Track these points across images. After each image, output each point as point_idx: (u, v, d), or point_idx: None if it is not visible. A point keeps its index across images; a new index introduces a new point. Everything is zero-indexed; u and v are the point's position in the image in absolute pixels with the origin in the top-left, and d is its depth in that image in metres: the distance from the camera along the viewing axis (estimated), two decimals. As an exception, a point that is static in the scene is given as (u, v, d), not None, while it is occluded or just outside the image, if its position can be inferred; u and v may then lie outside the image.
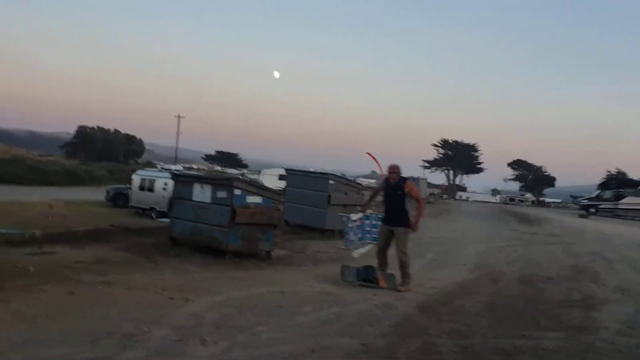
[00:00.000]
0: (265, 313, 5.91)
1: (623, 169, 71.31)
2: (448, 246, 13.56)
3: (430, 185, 71.58)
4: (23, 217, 13.75)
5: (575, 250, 14.11)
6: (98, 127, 72.91)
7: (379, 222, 8.35)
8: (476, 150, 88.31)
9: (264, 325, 5.43)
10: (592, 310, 6.92)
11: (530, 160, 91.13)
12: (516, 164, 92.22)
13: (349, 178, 19.81)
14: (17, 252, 8.49)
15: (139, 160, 76.44)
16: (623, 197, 39.46)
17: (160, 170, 28.27)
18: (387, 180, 8.16)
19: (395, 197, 7.93)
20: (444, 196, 70.32)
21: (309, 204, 13.92)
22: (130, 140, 76.62)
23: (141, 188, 21.37)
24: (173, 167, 50.49)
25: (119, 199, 24.18)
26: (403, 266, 7.73)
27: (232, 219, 8.91)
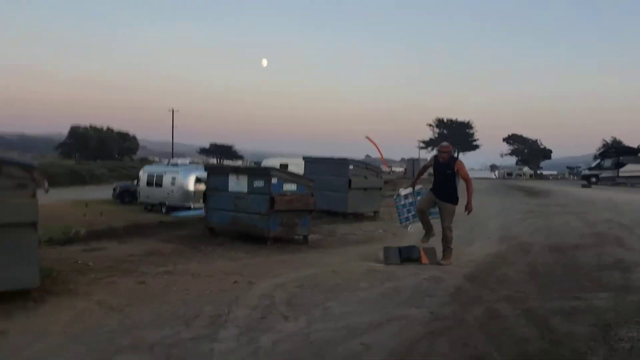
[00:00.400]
0: (327, 290, 6.27)
1: (619, 138, 72.11)
2: (469, 222, 13.89)
3: (429, 165, 71.82)
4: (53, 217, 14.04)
5: (590, 218, 14.52)
6: (91, 126, 72.95)
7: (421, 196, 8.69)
8: (471, 128, 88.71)
9: (332, 301, 5.80)
10: (629, 272, 7.31)
11: (525, 134, 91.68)
12: (511, 139, 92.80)
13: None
14: (68, 250, 8.85)
15: (134, 157, 76.51)
16: (623, 165, 39.97)
17: (167, 165, 28.56)
18: (436, 157, 8.40)
19: (444, 175, 8.19)
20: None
21: (330, 189, 14.25)
22: (124, 137, 76.68)
23: (149, 184, 21.62)
24: (179, 161, 50.63)
25: (126, 196, 24.53)
26: (446, 240, 8.08)
27: (271, 206, 9.27)
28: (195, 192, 18.32)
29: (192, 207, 17.79)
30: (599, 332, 4.67)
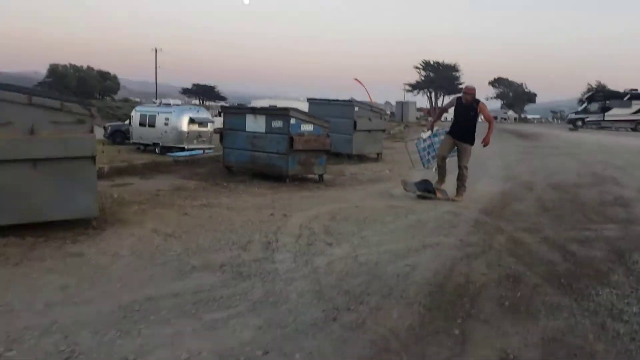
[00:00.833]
0: (357, 222, 6.78)
1: (603, 82, 72.69)
2: (470, 163, 14.47)
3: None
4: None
5: (584, 159, 15.19)
6: (70, 64, 71.59)
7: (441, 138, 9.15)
8: (457, 71, 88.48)
9: (365, 231, 6.32)
10: (630, 207, 7.95)
11: (511, 78, 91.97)
12: (497, 82, 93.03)
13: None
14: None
15: (115, 97, 75.51)
16: (609, 109, 40.71)
17: (159, 106, 28.52)
18: (459, 99, 8.79)
19: (467, 116, 8.61)
20: (429, 118, 70.90)
21: (335, 131, 14.56)
22: (105, 76, 75.45)
23: (142, 124, 21.63)
24: (172, 101, 50.39)
25: (117, 136, 24.62)
26: (461, 178, 8.62)
27: (290, 146, 9.66)
28: (189, 132, 18.54)
29: (185, 147, 18.01)
30: (615, 256, 5.28)
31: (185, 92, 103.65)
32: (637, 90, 41.08)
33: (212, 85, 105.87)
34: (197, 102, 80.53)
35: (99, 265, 4.80)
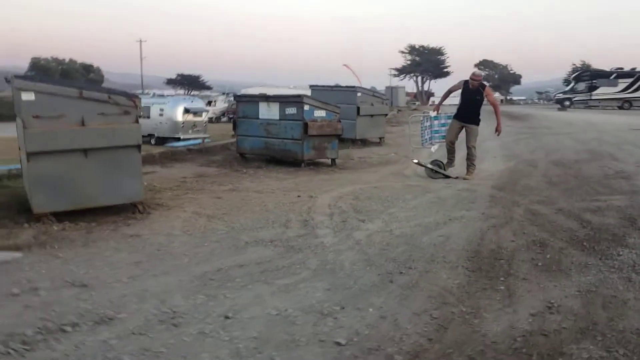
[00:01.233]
0: (381, 201, 7.22)
1: (588, 62, 73.62)
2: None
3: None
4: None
5: (578, 137, 15.77)
6: (52, 57, 71.17)
7: (448, 121, 9.62)
8: (442, 54, 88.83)
9: (391, 208, 6.77)
10: (632, 180, 8.48)
11: (496, 60, 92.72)
12: (482, 64, 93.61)
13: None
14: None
15: (99, 90, 75.19)
16: (596, 88, 41.50)
17: (153, 97, 28.74)
18: (466, 83, 9.25)
19: (474, 100, 9.14)
20: (417, 102, 71.35)
21: (339, 116, 15.04)
22: (88, 69, 75.05)
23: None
24: (166, 92, 50.60)
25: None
26: (470, 158, 9.11)
27: (305, 131, 10.08)
28: (184, 122, 18.78)
29: (181, 137, 18.24)
30: (627, 223, 5.78)
31: (170, 82, 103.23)
32: (622, 69, 41.89)
33: (197, 75, 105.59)
34: (182, 92, 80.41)
35: (159, 243, 5.21)
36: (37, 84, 5.75)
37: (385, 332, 3.22)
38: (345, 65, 43.37)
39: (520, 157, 11.81)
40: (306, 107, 10.14)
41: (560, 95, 45.23)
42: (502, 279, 4.15)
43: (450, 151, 9.40)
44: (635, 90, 40.58)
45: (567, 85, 48.77)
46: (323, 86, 16.82)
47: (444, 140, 9.52)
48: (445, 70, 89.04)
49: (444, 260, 4.61)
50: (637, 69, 41.60)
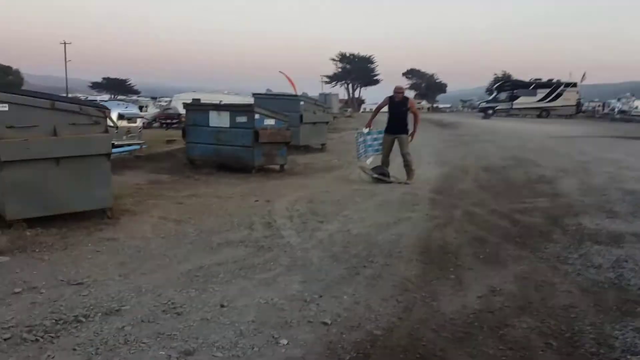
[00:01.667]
0: (334, 204, 7.83)
1: (508, 72, 77.60)
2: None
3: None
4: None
5: (503, 145, 17.05)
6: (-33, 59, 68.08)
7: (379, 136, 10.38)
8: (372, 62, 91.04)
9: (345, 210, 7.38)
10: (553, 184, 9.50)
11: (423, 69, 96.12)
12: (410, 73, 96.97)
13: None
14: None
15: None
16: (517, 97, 44.09)
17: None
18: (392, 98, 10.09)
19: (400, 112, 10.00)
20: (348, 110, 72.73)
21: (282, 124, 15.57)
22: (6, 71, 72.21)
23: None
24: (99, 97, 49.40)
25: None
26: (408, 164, 9.90)
27: (256, 139, 10.56)
28: (118, 129, 18.64)
29: (115, 143, 18.07)
30: (551, 221, 6.65)
31: (95, 86, 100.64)
32: (541, 79, 44.70)
33: (124, 78, 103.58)
34: (107, 96, 78.56)
35: (136, 246, 5.58)
36: (11, 95, 5.98)
37: (362, 314, 3.80)
38: (281, 72, 43.79)
39: (452, 163, 12.75)
40: (257, 116, 10.63)
41: (484, 104, 47.64)
42: (451, 269, 4.83)
43: (386, 163, 10.16)
44: (553, 100, 43.47)
45: (490, 95, 51.46)
46: (266, 95, 17.33)
47: (378, 153, 10.31)
48: (375, 78, 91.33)
49: (400, 255, 5.25)
50: (554, 80, 44.53)
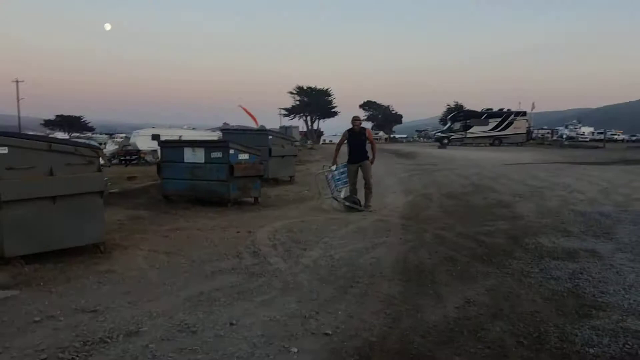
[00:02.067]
0: (313, 232, 8.34)
1: (460, 102, 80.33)
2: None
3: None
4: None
5: (461, 173, 17.94)
6: None
7: (344, 169, 11.05)
8: (329, 95, 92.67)
9: (324, 238, 7.89)
10: (510, 208, 10.26)
11: (379, 101, 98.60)
12: (367, 105, 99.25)
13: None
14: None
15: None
16: (470, 127, 45.84)
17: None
18: (350, 130, 10.87)
19: (360, 142, 10.84)
20: (308, 141, 73.68)
21: (250, 158, 16.05)
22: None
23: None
24: (52, 136, 48.90)
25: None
26: (369, 188, 10.69)
27: (231, 173, 11.03)
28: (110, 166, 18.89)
29: None
30: (512, 241, 7.32)
31: (48, 123, 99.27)
32: (492, 109, 46.63)
33: (78, 115, 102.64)
34: (61, 134, 77.76)
35: (135, 276, 5.95)
36: (10, 139, 6.32)
37: (357, 325, 4.30)
38: (240, 106, 44.48)
39: (416, 192, 13.46)
40: (232, 151, 11.11)
41: (439, 134, 49.34)
42: (429, 285, 5.39)
43: (354, 191, 10.83)
44: (504, 129, 45.39)
45: (444, 125, 53.24)
46: (235, 129, 17.88)
47: (346, 184, 10.96)
48: (333, 110, 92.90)
49: (382, 275, 5.79)
50: (505, 110, 46.53)
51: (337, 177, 11.15)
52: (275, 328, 4.26)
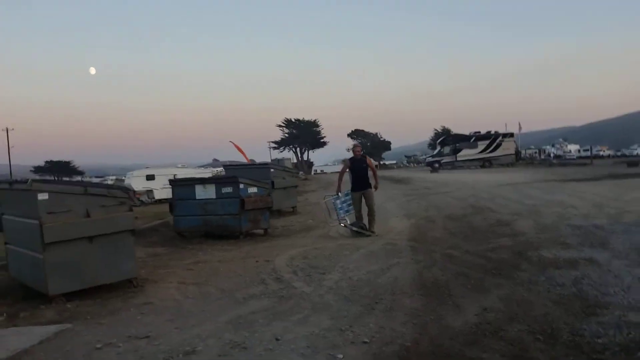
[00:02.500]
0: (327, 258, 8.82)
1: (447, 126, 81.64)
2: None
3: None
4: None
5: (458, 195, 18.53)
6: None
7: (347, 197, 11.59)
8: (318, 126, 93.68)
9: (339, 263, 8.38)
10: (510, 226, 10.82)
11: (367, 129, 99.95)
12: (355, 134, 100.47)
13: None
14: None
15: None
16: (460, 150, 46.76)
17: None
18: (352, 159, 11.44)
19: (362, 169, 11.36)
20: (300, 172, 74.18)
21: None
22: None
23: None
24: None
25: None
26: (372, 214, 11.20)
27: (242, 207, 11.55)
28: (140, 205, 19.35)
29: None
30: (517, 256, 7.86)
31: (38, 170, 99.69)
32: (480, 132, 47.63)
33: (68, 160, 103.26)
34: (51, 178, 78.14)
35: (173, 306, 6.42)
36: (50, 185, 6.86)
37: (390, 334, 4.80)
38: (231, 142, 45.02)
39: (417, 215, 14.01)
40: (242, 186, 11.66)
41: (430, 158, 50.27)
42: (447, 298, 5.91)
43: (360, 217, 11.36)
44: (493, 150, 46.35)
45: (434, 149, 54.24)
46: (237, 165, 18.41)
47: (351, 212, 11.50)
48: (322, 140, 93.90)
49: (402, 292, 6.30)
50: (492, 132, 47.57)
51: (339, 206, 11.67)
52: (318, 340, 4.75)
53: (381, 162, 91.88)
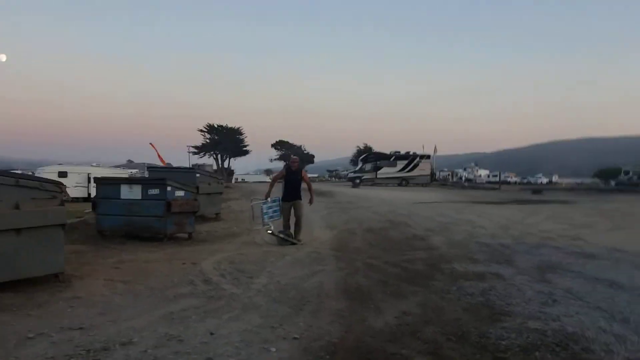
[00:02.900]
0: (254, 263, 9.11)
1: (369, 144, 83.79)
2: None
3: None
4: None
5: (376, 210, 19.31)
6: None
7: (273, 204, 11.95)
8: (241, 134, 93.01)
9: (266, 268, 8.70)
10: (425, 240, 11.56)
11: (291, 141, 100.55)
12: (279, 145, 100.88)
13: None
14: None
15: None
16: (380, 168, 48.27)
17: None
18: (288, 168, 11.81)
19: (296, 181, 11.72)
20: (221, 180, 73.21)
21: (178, 195, 16.55)
22: None
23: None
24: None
25: None
26: (299, 224, 11.62)
27: (168, 210, 11.61)
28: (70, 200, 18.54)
29: None
30: (430, 267, 8.50)
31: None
32: (399, 152, 49.41)
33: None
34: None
35: (102, 301, 6.49)
36: (-21, 175, 6.75)
37: (318, 332, 5.19)
38: (151, 144, 44.30)
39: (339, 227, 14.55)
40: (169, 188, 11.72)
41: (352, 174, 51.46)
42: (369, 302, 6.38)
43: (287, 226, 11.74)
44: (411, 170, 48.21)
45: (356, 165, 55.55)
46: (161, 168, 18.24)
47: (277, 218, 11.85)
48: (245, 149, 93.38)
49: (327, 296, 6.71)
50: (411, 152, 49.47)
51: (264, 211, 11.97)
52: (251, 336, 5.05)
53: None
